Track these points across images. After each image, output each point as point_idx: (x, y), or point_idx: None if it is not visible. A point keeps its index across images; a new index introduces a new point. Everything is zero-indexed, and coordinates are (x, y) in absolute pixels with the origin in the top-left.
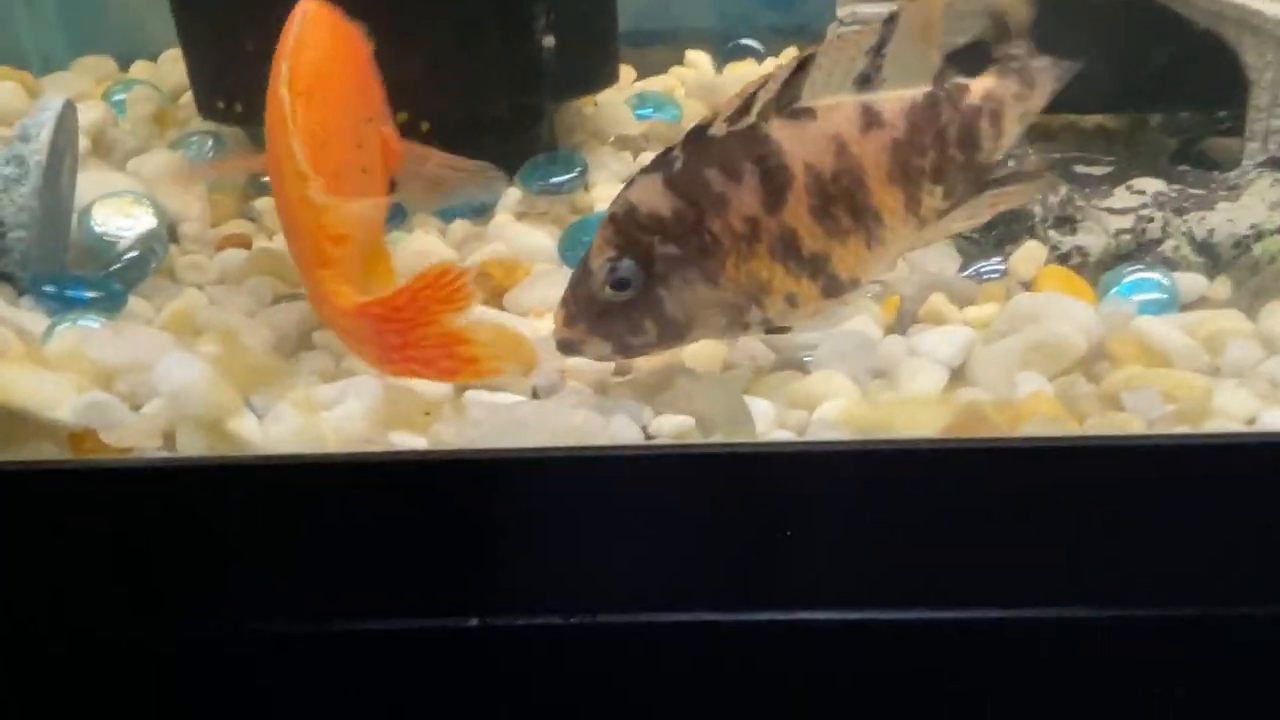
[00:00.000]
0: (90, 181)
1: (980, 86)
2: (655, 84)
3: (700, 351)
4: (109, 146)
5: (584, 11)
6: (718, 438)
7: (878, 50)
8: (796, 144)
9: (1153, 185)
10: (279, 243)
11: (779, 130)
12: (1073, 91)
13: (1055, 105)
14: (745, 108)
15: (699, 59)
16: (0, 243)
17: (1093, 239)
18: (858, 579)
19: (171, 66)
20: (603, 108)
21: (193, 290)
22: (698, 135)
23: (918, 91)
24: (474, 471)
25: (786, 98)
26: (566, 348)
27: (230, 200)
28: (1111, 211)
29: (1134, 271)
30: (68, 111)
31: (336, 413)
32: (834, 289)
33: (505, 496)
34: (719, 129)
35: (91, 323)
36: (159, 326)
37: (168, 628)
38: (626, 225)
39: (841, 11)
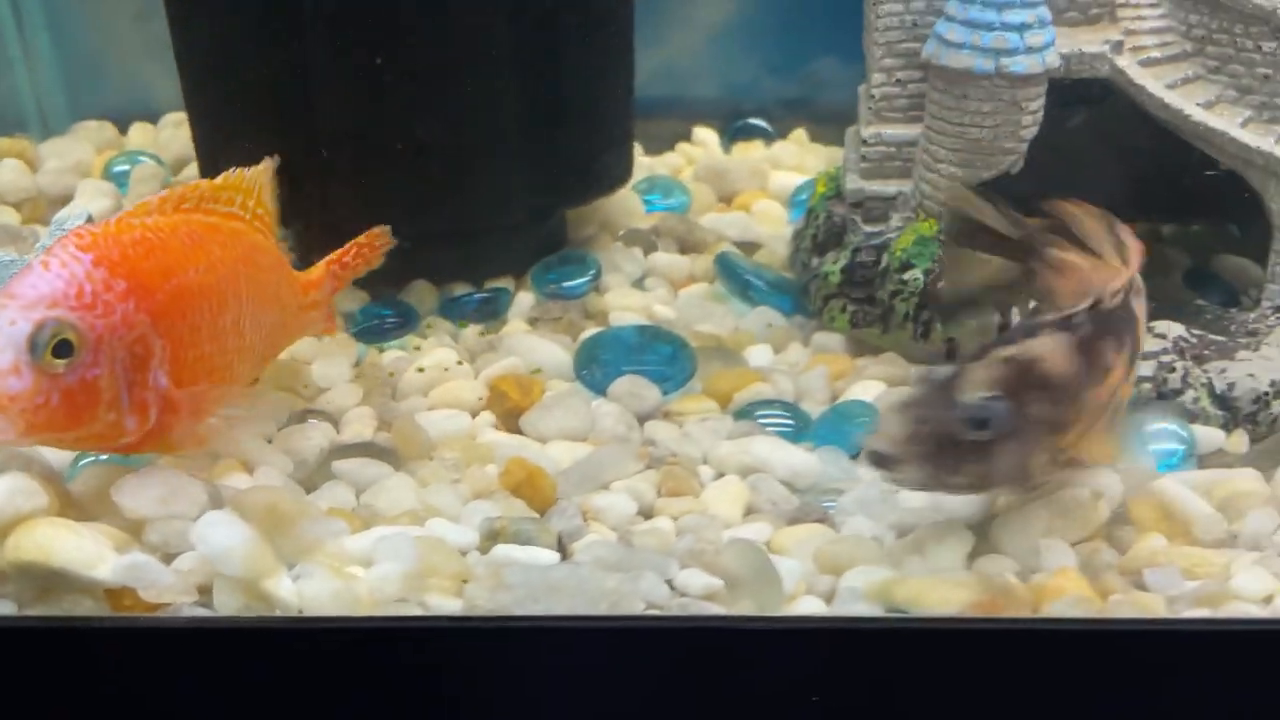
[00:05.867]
0: None
1: None
2: (663, 163)
3: (721, 493)
4: None
5: (599, 113)
6: (744, 601)
7: None
8: None
9: (1174, 329)
10: (288, 353)
11: None
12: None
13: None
14: None
15: (707, 137)
16: None
17: None
18: None
19: (173, 132)
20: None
21: None
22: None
23: None
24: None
25: None
26: (882, 462)
27: None
28: None
29: (1153, 422)
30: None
31: (373, 573)
32: None
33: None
34: None
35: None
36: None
37: None
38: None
39: (866, 132)
